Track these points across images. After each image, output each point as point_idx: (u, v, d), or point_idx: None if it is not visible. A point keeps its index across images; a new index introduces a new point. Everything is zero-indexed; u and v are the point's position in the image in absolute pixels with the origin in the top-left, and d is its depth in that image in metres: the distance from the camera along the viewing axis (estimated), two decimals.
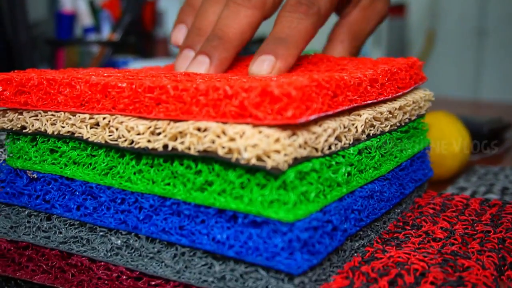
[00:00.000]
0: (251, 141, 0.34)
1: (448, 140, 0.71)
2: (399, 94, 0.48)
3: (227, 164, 0.36)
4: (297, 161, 0.35)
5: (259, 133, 0.34)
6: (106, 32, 1.12)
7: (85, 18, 1.10)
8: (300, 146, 0.35)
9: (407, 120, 0.50)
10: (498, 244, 0.41)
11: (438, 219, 0.46)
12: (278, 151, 0.34)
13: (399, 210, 0.49)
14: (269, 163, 0.34)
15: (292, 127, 0.35)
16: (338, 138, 0.40)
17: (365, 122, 0.42)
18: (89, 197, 0.42)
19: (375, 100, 0.44)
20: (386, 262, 0.38)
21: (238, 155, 0.35)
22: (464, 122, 0.83)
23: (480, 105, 1.64)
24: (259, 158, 0.34)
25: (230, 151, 0.35)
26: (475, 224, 0.45)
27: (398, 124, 0.48)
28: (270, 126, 0.35)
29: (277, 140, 0.34)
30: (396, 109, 0.47)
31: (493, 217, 0.46)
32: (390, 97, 0.47)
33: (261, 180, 0.35)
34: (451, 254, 0.39)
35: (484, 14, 2.09)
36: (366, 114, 0.42)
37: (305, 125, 0.36)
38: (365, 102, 0.43)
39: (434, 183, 0.69)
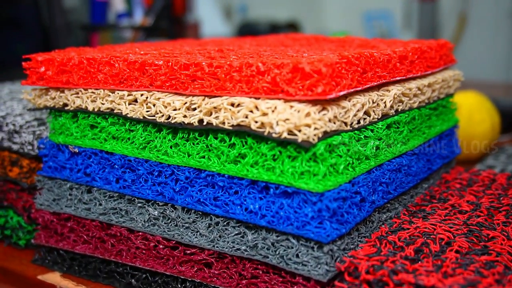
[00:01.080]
0: (282, 116, 0.36)
1: (477, 120, 0.72)
2: (428, 72, 0.49)
3: (260, 137, 0.38)
4: (327, 134, 0.37)
5: (290, 108, 0.36)
6: (138, 17, 1.14)
7: (118, 4, 1.12)
8: (329, 120, 0.37)
9: (435, 98, 0.51)
10: None
11: (464, 193, 0.47)
12: (308, 125, 0.35)
13: (426, 185, 0.50)
14: (300, 137, 0.35)
15: (322, 102, 0.36)
16: (367, 113, 0.41)
17: (394, 97, 0.43)
18: (128, 170, 0.44)
19: (404, 77, 0.45)
20: (413, 232, 0.39)
21: (270, 129, 0.36)
22: (495, 103, 0.84)
23: None
24: (290, 132, 0.36)
25: (262, 125, 0.37)
26: (501, 198, 0.46)
27: (426, 101, 0.49)
28: (301, 101, 0.36)
29: (308, 115, 0.35)
30: (425, 85, 0.48)
31: None
32: (419, 74, 0.47)
33: (292, 153, 0.37)
34: (476, 225, 0.41)
35: None
36: (395, 90, 0.44)
37: (335, 100, 0.38)
38: (394, 79, 0.44)
39: (464, 162, 0.70)
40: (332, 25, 2.60)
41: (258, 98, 0.37)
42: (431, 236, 0.38)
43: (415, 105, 0.47)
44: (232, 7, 2.38)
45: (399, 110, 0.45)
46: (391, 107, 0.44)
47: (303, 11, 2.52)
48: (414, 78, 0.48)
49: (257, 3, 2.40)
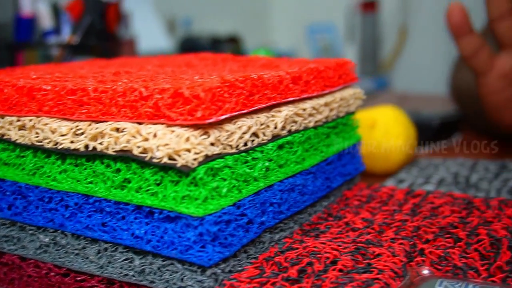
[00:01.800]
0: (162, 141, 0.36)
1: (393, 134, 0.73)
2: (325, 91, 0.50)
3: (143, 162, 0.38)
4: (209, 158, 0.37)
5: (171, 133, 0.36)
6: (66, 35, 1.12)
7: (45, 21, 1.11)
8: (212, 144, 0.37)
9: (334, 117, 0.51)
10: (413, 232, 0.43)
11: (361, 210, 0.48)
12: (188, 150, 0.36)
13: (326, 203, 0.51)
14: (179, 161, 0.36)
15: (204, 126, 0.37)
16: (255, 135, 0.41)
17: (285, 118, 0.44)
18: (19, 196, 0.43)
19: (298, 97, 0.46)
20: (301, 252, 0.40)
21: (151, 154, 0.36)
22: (415, 116, 0.86)
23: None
24: (170, 157, 0.36)
25: (144, 150, 0.37)
26: (395, 214, 0.47)
27: (324, 119, 0.50)
28: (182, 126, 0.36)
29: (187, 139, 0.36)
30: (321, 105, 0.48)
31: (414, 206, 0.48)
32: (315, 94, 0.48)
33: (174, 177, 0.37)
34: (365, 242, 0.41)
35: None
36: (287, 110, 0.44)
37: (219, 124, 0.38)
38: (287, 100, 0.45)
39: (380, 177, 0.71)
40: (276, 38, 2.62)
41: (142, 123, 0.37)
42: (317, 255, 0.39)
43: (311, 124, 0.47)
44: (176, 21, 2.37)
45: (293, 130, 0.45)
46: (283, 127, 0.44)
47: (247, 24, 2.53)
48: (310, 98, 0.48)
49: (201, 16, 2.40)
